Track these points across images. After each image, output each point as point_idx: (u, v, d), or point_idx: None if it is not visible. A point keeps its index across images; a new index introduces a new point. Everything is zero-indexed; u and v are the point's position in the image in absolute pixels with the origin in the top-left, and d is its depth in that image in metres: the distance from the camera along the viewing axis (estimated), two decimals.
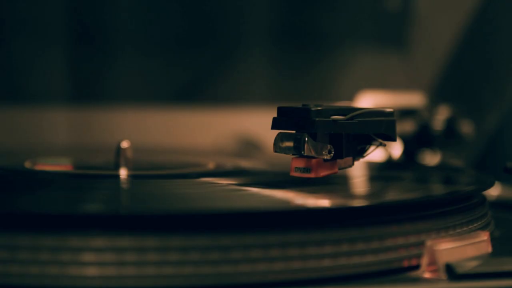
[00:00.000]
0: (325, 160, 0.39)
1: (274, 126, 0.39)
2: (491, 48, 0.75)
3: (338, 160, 0.40)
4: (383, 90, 0.68)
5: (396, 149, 0.60)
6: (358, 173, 0.45)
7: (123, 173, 0.46)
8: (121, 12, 0.77)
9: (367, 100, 0.65)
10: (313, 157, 0.38)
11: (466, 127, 0.62)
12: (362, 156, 0.41)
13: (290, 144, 0.38)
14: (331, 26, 0.80)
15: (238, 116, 0.78)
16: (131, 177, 0.45)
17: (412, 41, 0.82)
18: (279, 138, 0.39)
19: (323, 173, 0.39)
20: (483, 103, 0.73)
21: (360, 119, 0.39)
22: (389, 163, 0.58)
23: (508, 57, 0.73)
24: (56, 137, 0.74)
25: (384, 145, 0.41)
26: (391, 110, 0.40)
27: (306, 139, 0.38)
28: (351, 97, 0.71)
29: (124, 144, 0.47)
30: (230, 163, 0.52)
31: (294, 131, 0.38)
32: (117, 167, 0.47)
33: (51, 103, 0.75)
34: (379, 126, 0.40)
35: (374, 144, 0.41)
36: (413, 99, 0.66)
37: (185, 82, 0.79)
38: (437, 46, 0.79)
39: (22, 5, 0.74)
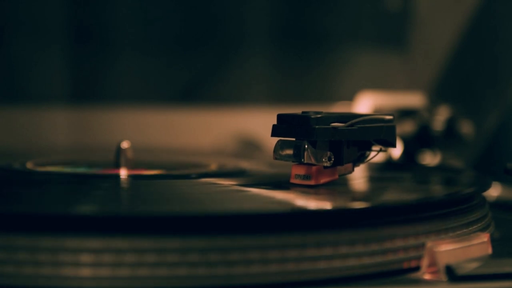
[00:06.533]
0: (325, 167, 0.39)
1: (274, 134, 0.39)
2: (491, 48, 0.75)
3: (338, 167, 0.40)
4: (383, 90, 0.68)
5: (396, 149, 0.60)
6: (358, 174, 0.45)
7: (123, 173, 0.46)
8: (121, 12, 0.77)
9: (367, 101, 0.65)
10: (313, 164, 0.38)
11: (466, 127, 0.62)
12: (362, 162, 0.41)
13: (290, 151, 0.38)
14: (331, 27, 0.80)
15: (238, 116, 0.78)
16: (131, 177, 0.45)
17: (412, 41, 0.82)
18: (279, 146, 0.39)
19: (323, 180, 0.39)
20: (483, 103, 0.73)
21: (359, 125, 0.39)
22: (389, 164, 0.58)
23: (508, 57, 0.73)
24: (56, 137, 0.74)
25: (384, 151, 0.41)
26: (390, 117, 0.40)
27: (306, 146, 0.38)
28: (351, 98, 0.71)
29: (124, 144, 0.47)
30: (230, 163, 0.52)
31: (294, 139, 0.38)
32: (117, 167, 0.47)
33: (51, 103, 0.75)
34: (378, 132, 0.40)
35: (374, 150, 0.41)
36: (413, 99, 0.66)
37: (185, 82, 0.79)
38: (437, 46, 0.79)
39: (22, 5, 0.74)
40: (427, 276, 0.33)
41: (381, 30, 0.82)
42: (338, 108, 0.72)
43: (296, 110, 0.40)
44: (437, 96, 0.71)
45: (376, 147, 0.41)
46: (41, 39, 0.74)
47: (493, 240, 0.37)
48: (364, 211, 0.34)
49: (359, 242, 0.33)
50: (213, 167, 0.50)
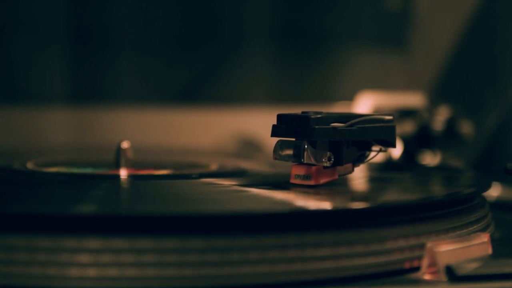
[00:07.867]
0: (325, 167, 0.39)
1: (273, 134, 0.39)
2: (491, 48, 0.75)
3: (338, 167, 0.40)
4: (383, 90, 0.68)
5: (396, 149, 0.60)
6: (357, 174, 0.45)
7: (123, 173, 0.46)
8: (121, 12, 0.77)
9: (367, 101, 0.65)
10: (313, 165, 0.38)
11: (466, 127, 0.62)
12: (362, 162, 0.41)
13: (289, 151, 0.38)
14: (331, 26, 0.80)
15: (238, 116, 0.78)
16: (131, 177, 0.45)
17: (412, 41, 0.82)
18: (279, 146, 0.39)
19: (323, 180, 0.39)
20: (483, 103, 0.73)
21: (359, 126, 0.39)
22: (389, 164, 0.58)
23: (508, 57, 0.73)
24: (56, 137, 0.74)
25: (384, 151, 0.41)
26: (390, 117, 0.40)
27: (306, 146, 0.38)
28: (351, 98, 0.71)
29: (125, 144, 0.47)
30: (230, 163, 0.52)
31: (293, 139, 0.38)
32: (117, 167, 0.47)
33: (51, 103, 0.75)
34: (378, 132, 0.40)
35: (374, 150, 0.41)
36: (413, 99, 0.66)
37: (185, 82, 0.79)
38: (437, 46, 0.79)
39: (22, 5, 0.74)
40: (427, 276, 0.33)
41: (381, 30, 0.82)
42: (338, 108, 0.72)
43: (296, 110, 0.40)
44: (437, 96, 0.71)
45: (376, 147, 0.41)
46: (41, 39, 0.74)
47: (493, 240, 0.37)
48: (364, 211, 0.34)
49: (359, 242, 0.33)
50: (213, 167, 0.50)
